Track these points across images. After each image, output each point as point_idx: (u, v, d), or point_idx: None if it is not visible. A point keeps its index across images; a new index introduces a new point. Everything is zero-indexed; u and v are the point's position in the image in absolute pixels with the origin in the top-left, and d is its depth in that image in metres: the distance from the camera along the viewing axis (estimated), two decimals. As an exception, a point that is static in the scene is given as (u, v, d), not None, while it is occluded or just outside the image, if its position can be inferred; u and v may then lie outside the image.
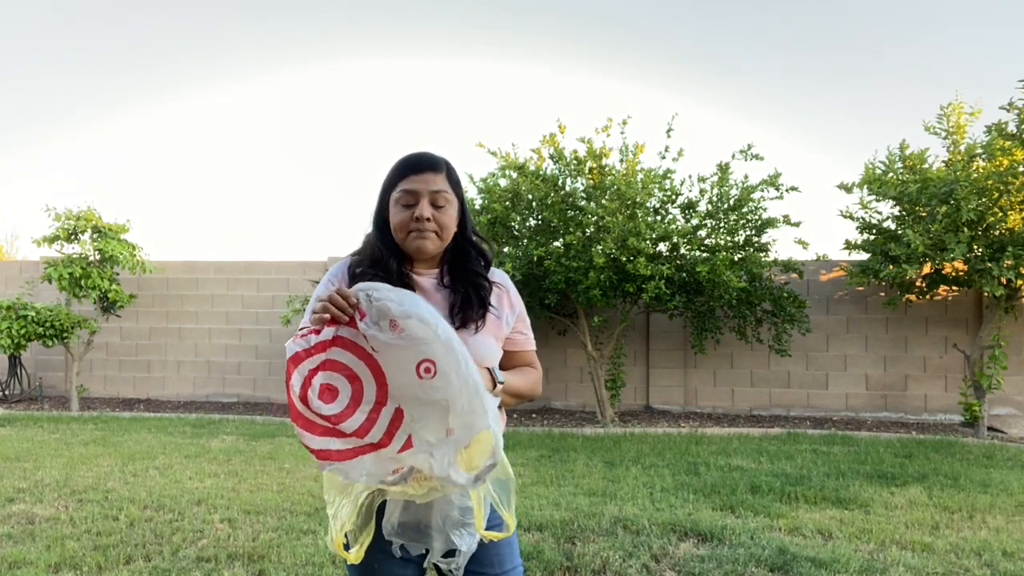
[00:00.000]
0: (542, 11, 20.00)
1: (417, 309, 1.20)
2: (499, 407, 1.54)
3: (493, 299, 1.54)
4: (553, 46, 21.61)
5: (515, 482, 1.36)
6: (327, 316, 1.21)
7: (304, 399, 1.18)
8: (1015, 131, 6.31)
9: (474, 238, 1.60)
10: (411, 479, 1.23)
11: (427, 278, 1.53)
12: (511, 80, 24.10)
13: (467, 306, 1.49)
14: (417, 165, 1.50)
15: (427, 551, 1.36)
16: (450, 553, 1.34)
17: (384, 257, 1.49)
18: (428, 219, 1.46)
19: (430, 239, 1.47)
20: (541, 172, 7.07)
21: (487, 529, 1.32)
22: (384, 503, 1.36)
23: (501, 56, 22.32)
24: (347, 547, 1.35)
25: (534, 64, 22.57)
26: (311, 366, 1.19)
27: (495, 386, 1.42)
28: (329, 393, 1.19)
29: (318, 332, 1.21)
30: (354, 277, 1.48)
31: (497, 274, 1.59)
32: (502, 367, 1.56)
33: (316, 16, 20.51)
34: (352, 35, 21.57)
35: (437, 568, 1.53)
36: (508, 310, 1.57)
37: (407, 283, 1.49)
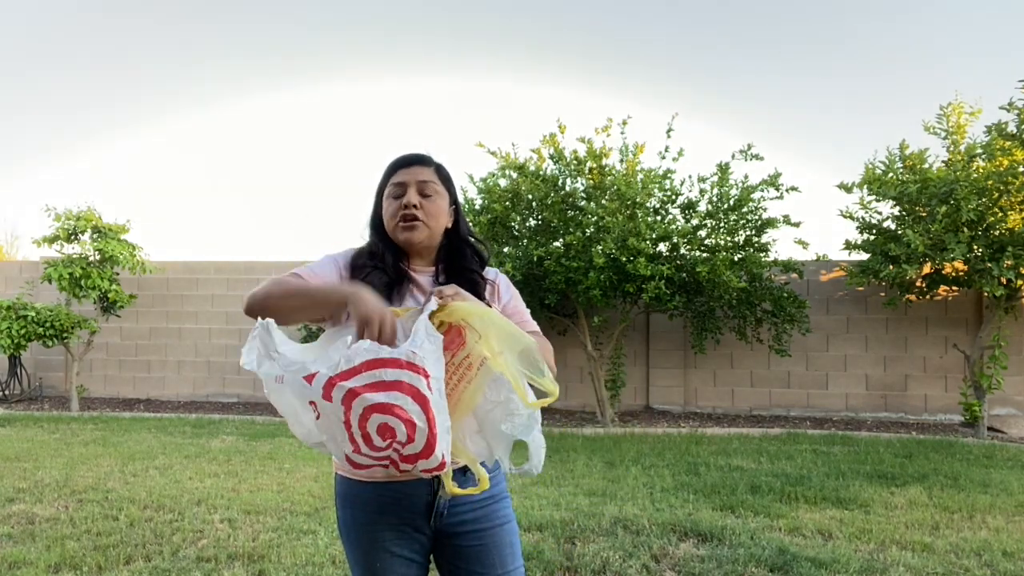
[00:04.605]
0: (541, 19, 20.01)
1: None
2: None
3: (486, 295, 1.57)
4: (552, 54, 21.64)
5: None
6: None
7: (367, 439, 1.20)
8: (1015, 131, 6.30)
9: (470, 238, 1.63)
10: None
11: (423, 275, 1.56)
12: (512, 88, 24.13)
13: None
14: (407, 160, 1.56)
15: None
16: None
17: (381, 252, 1.53)
18: (415, 206, 1.49)
19: (418, 229, 1.50)
20: (541, 172, 7.06)
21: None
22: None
23: (503, 65, 22.35)
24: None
25: (534, 72, 22.60)
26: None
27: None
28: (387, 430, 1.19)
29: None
30: (354, 268, 1.51)
31: (489, 272, 1.63)
32: None
33: (317, 22, 20.53)
34: (352, 40, 21.58)
35: (439, 568, 1.53)
36: (497, 304, 1.61)
37: (404, 277, 1.52)
